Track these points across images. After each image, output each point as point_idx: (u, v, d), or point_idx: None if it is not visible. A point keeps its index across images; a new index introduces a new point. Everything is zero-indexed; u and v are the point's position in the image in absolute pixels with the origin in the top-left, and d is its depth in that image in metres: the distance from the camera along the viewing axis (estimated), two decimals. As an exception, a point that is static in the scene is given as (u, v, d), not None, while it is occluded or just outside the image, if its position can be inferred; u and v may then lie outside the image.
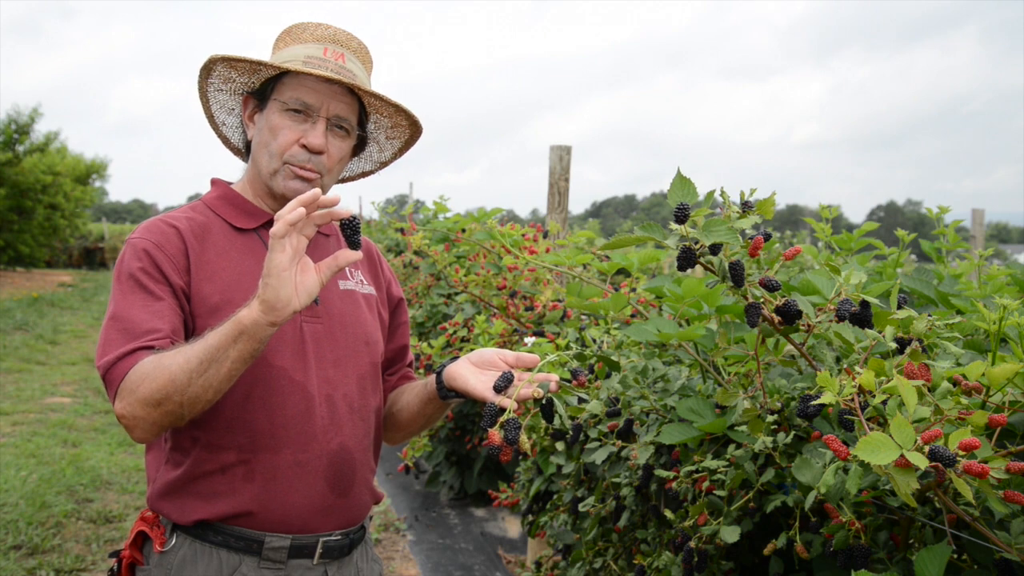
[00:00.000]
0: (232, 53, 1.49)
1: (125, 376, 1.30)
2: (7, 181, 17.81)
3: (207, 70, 1.51)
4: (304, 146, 1.47)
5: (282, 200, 1.52)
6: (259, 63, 1.48)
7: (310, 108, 1.47)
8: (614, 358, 1.85)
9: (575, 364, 1.49)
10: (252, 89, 1.55)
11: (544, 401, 1.37)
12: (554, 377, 1.37)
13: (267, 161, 1.49)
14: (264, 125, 1.49)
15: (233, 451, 1.44)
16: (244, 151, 1.62)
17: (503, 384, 1.35)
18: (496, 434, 1.28)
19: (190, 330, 1.43)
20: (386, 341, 1.69)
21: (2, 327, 11.12)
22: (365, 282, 1.65)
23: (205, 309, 1.42)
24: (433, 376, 1.53)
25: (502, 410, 1.30)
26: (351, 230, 1.28)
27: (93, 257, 24.76)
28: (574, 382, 1.47)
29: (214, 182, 1.60)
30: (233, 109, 1.61)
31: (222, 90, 1.57)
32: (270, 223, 1.53)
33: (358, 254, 1.28)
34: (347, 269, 1.62)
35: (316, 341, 1.51)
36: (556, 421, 1.38)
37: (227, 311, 1.40)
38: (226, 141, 1.67)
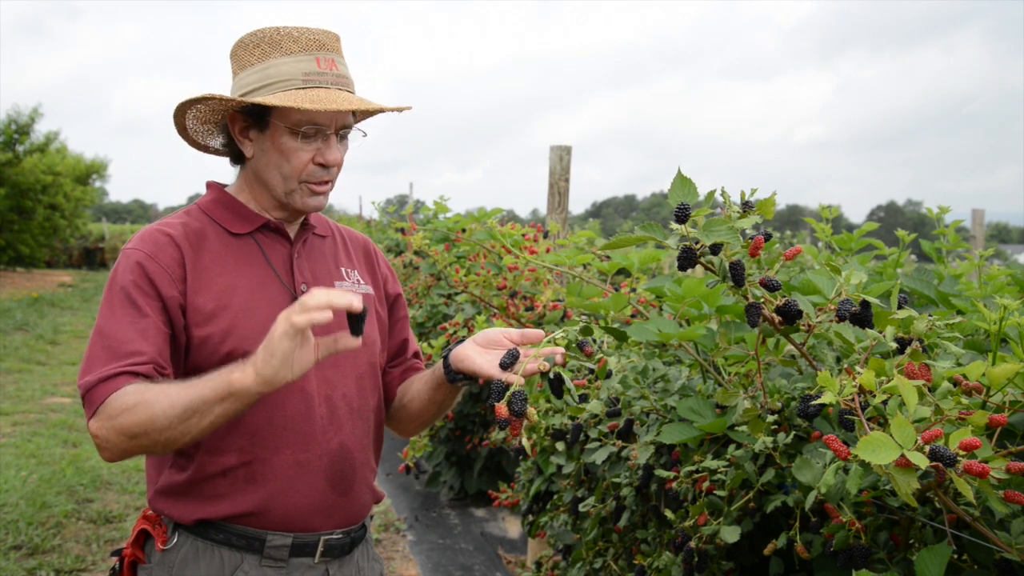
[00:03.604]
0: (230, 95, 1.45)
1: (106, 400, 1.31)
2: (7, 181, 17.80)
3: (191, 103, 1.46)
4: (320, 163, 1.47)
5: (292, 211, 1.53)
6: (264, 105, 1.42)
7: (320, 127, 1.46)
8: (613, 359, 1.85)
9: (581, 337, 1.49)
10: (239, 107, 1.48)
11: (552, 375, 1.38)
12: (560, 350, 1.37)
13: (281, 182, 1.48)
14: (270, 147, 1.47)
15: (234, 453, 1.45)
16: (228, 154, 1.57)
17: (509, 361, 1.35)
18: (504, 408, 1.28)
19: (183, 341, 1.43)
20: (387, 337, 1.69)
21: (2, 327, 11.12)
22: (362, 281, 1.65)
23: (201, 317, 1.43)
24: (440, 361, 1.53)
25: (510, 386, 1.31)
26: (357, 319, 1.30)
27: (93, 257, 24.74)
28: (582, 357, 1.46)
29: (209, 185, 1.58)
30: (209, 120, 1.55)
31: (202, 112, 1.51)
32: (266, 226, 1.53)
33: (358, 342, 1.30)
34: (343, 269, 1.63)
35: None
36: (564, 395, 1.38)
37: (222, 318, 1.42)
38: (204, 148, 1.60)
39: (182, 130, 1.55)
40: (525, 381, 1.33)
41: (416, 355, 1.77)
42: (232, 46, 1.52)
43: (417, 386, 1.63)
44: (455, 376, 1.49)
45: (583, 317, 2.74)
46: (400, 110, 1.53)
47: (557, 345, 1.39)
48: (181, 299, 1.42)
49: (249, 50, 1.48)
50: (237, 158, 1.56)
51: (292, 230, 1.57)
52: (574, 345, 1.45)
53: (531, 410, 1.29)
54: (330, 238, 1.65)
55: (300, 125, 1.44)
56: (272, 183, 1.49)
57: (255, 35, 1.48)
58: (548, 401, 2.23)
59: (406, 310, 1.76)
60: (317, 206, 1.52)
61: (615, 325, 1.98)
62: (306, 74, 1.45)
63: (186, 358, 1.44)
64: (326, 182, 1.50)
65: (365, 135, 1.57)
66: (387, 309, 1.71)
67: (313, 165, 1.47)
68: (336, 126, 1.48)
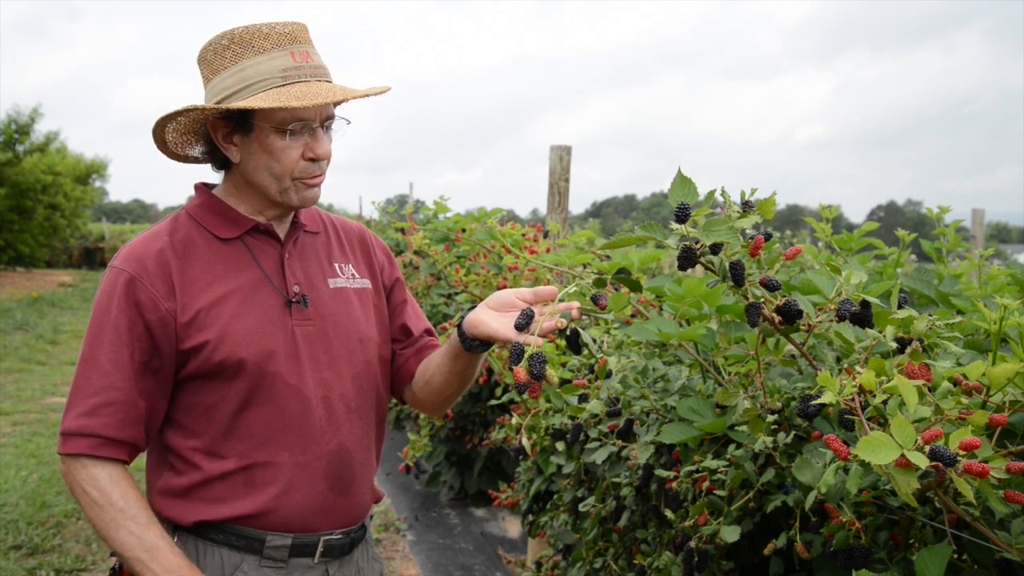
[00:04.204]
0: (205, 102, 1.44)
1: (79, 456, 1.40)
2: (7, 181, 17.80)
3: (173, 116, 1.44)
4: (311, 158, 1.46)
5: (288, 208, 1.52)
6: (249, 109, 1.39)
7: (306, 122, 1.45)
8: (613, 359, 1.85)
9: (595, 290, 1.47)
10: (220, 114, 1.46)
11: (568, 332, 1.36)
12: (575, 305, 1.35)
13: (274, 182, 1.47)
14: (258, 149, 1.45)
15: (233, 458, 1.45)
16: (209, 162, 1.55)
17: (524, 322, 1.33)
18: (523, 371, 1.26)
19: (173, 355, 1.43)
20: (389, 326, 1.68)
21: (2, 327, 11.12)
22: (357, 276, 1.63)
23: (193, 328, 1.42)
24: (455, 330, 1.51)
25: (527, 348, 1.29)
26: None
27: (93, 257, 24.72)
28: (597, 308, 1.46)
29: (197, 188, 1.56)
30: (188, 130, 1.53)
31: (182, 123, 1.50)
32: (255, 229, 1.52)
33: None
34: (337, 265, 1.61)
35: (309, 343, 1.50)
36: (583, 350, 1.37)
37: (214, 326, 1.42)
38: (183, 158, 1.58)
39: (161, 144, 1.52)
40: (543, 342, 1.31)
41: (429, 332, 1.74)
42: (199, 52, 1.48)
43: (436, 360, 1.60)
44: (471, 343, 1.47)
45: (583, 317, 2.75)
46: (382, 92, 1.51)
47: (571, 300, 1.37)
48: (170, 316, 1.42)
49: (220, 53, 1.45)
50: (221, 164, 1.53)
51: (282, 231, 1.55)
52: (588, 299, 1.43)
53: (550, 372, 1.27)
54: (322, 233, 1.63)
55: (286, 123, 1.43)
56: (264, 184, 1.48)
57: (223, 37, 1.45)
58: (548, 401, 2.23)
59: (406, 294, 1.74)
60: (313, 199, 1.50)
61: (615, 325, 1.98)
62: (284, 70, 1.43)
63: (183, 366, 1.44)
64: (318, 175, 1.49)
65: (349, 123, 1.56)
66: (386, 297, 1.70)
67: (304, 161, 1.46)
68: (321, 118, 1.46)
